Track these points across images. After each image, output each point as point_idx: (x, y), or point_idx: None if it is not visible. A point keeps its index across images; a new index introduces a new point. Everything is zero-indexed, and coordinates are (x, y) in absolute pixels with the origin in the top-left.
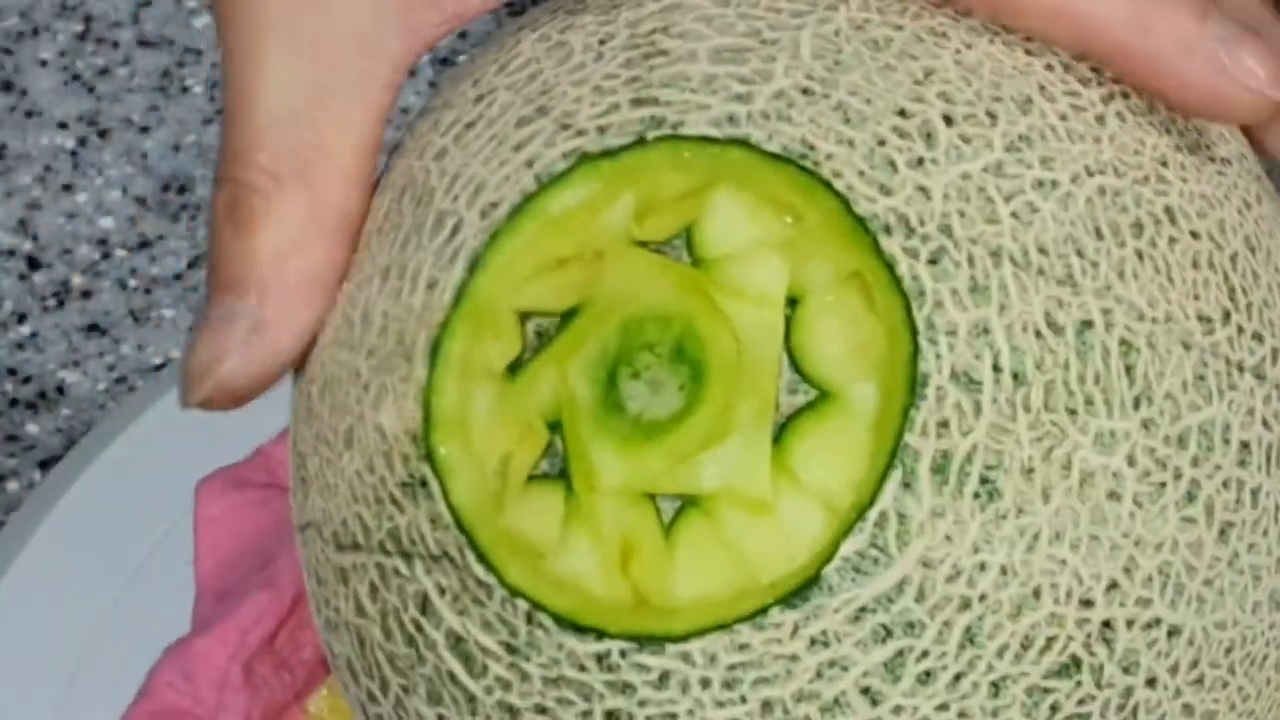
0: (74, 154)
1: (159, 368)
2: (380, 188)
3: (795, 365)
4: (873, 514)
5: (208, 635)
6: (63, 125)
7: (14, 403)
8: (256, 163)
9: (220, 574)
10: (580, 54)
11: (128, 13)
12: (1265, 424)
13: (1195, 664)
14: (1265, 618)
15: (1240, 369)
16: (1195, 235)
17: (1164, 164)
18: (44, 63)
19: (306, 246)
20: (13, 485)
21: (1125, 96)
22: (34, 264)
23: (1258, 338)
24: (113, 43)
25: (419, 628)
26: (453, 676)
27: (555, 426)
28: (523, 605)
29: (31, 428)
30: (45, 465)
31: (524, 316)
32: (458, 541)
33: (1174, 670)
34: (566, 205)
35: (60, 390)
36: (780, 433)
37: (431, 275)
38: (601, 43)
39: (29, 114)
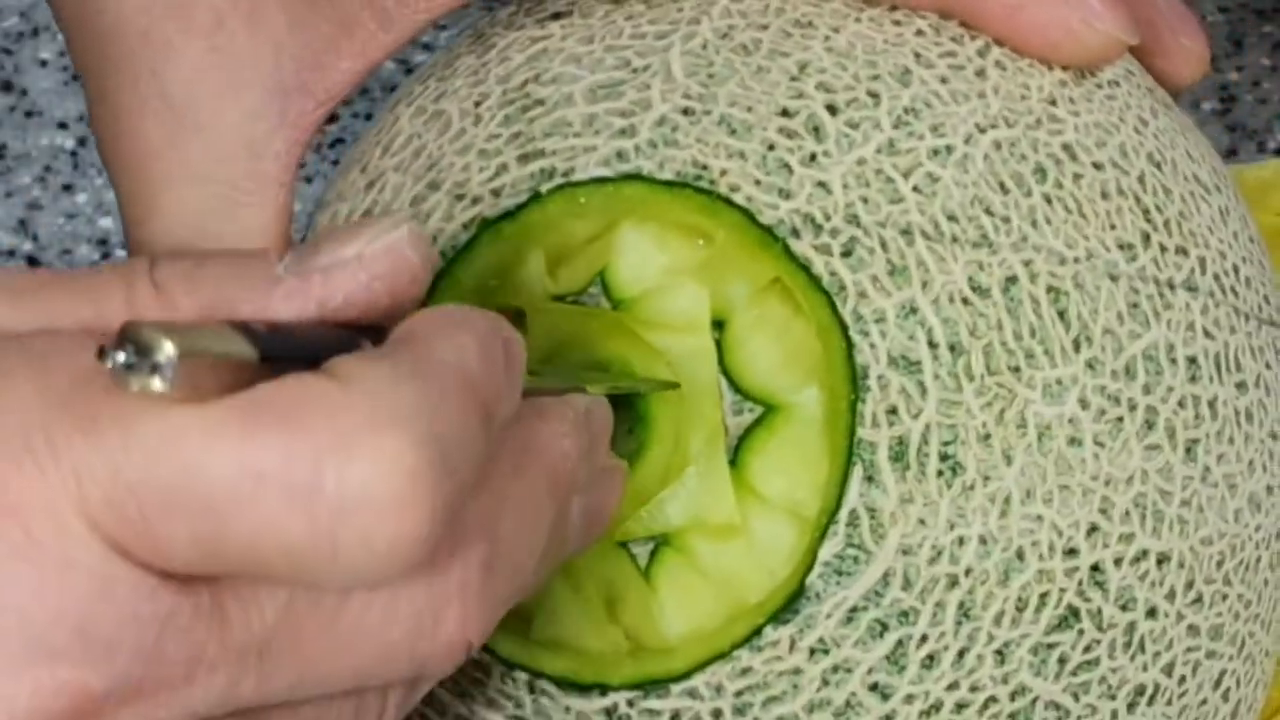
0: (74, 154)
1: None
2: None
3: (733, 385)
4: (843, 514)
5: None
6: (63, 125)
7: None
8: None
9: None
10: (459, 120)
11: None
12: (1207, 334)
13: (1191, 584)
14: (1250, 522)
15: (1171, 286)
16: (1098, 166)
17: (1053, 102)
18: (44, 63)
19: None
20: None
21: (1000, 44)
22: (34, 264)
23: (1182, 251)
24: None
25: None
26: None
27: None
28: (522, 676)
29: None
30: None
31: None
32: None
33: (1171, 596)
34: (478, 274)
35: None
36: (735, 454)
37: None
38: (477, 104)
39: (29, 114)
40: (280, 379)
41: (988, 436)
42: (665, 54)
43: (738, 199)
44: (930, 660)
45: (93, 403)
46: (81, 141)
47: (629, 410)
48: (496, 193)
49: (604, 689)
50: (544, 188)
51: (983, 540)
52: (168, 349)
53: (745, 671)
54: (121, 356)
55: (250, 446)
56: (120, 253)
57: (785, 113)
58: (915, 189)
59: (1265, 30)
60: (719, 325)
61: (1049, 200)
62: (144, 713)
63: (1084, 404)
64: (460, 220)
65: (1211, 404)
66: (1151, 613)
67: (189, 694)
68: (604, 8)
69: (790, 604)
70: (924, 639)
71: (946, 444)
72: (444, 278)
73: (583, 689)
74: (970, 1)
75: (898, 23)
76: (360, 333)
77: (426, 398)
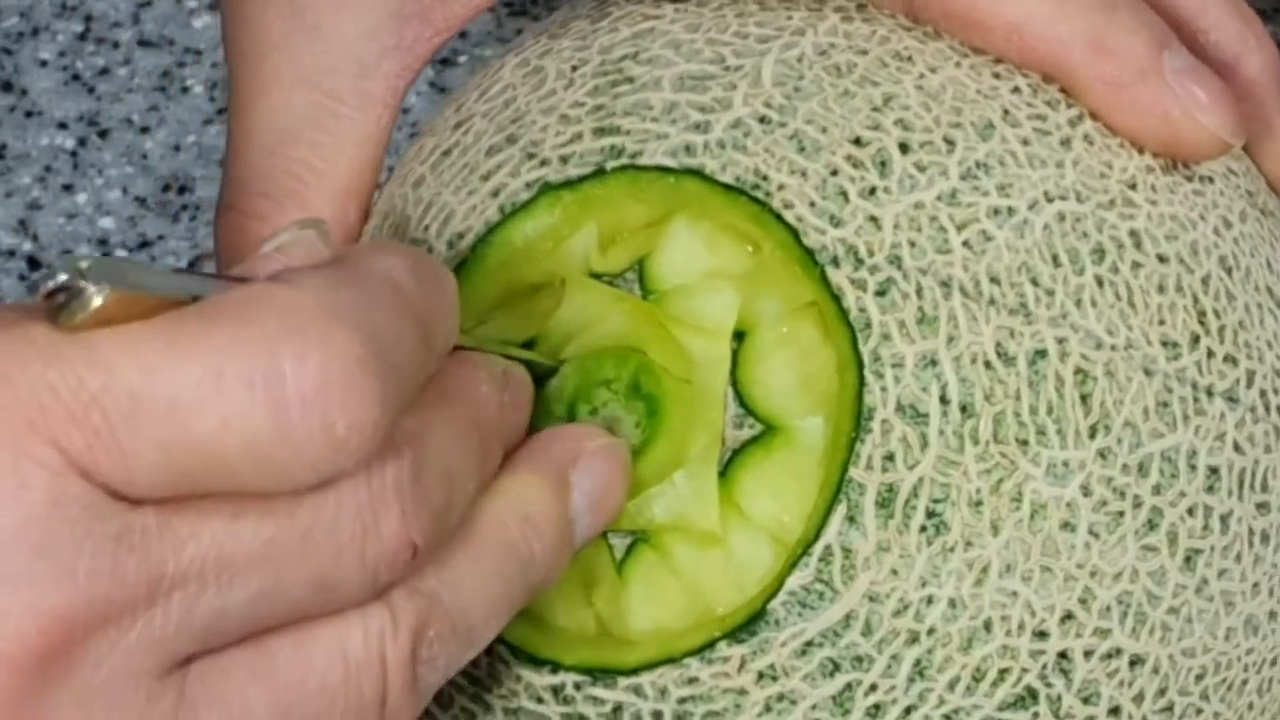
0: (74, 154)
1: None
2: (372, 213)
3: (740, 398)
4: (818, 548)
5: None
6: (63, 125)
7: None
8: (254, 189)
9: None
10: (553, 80)
11: (128, 13)
12: (1237, 448)
13: (1163, 692)
14: (1241, 643)
15: (1209, 393)
16: (1163, 259)
17: (1132, 186)
18: (44, 63)
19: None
20: None
21: (1095, 117)
22: (34, 264)
23: (1230, 360)
24: (113, 43)
25: None
26: (426, 710)
27: None
28: None
29: None
30: None
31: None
32: None
33: (1139, 699)
34: (529, 235)
35: None
36: (727, 466)
37: None
38: (574, 69)
39: (29, 114)
40: (229, 289)
41: (979, 503)
42: (760, 58)
43: (788, 216)
44: (875, 710)
45: (49, 333)
46: (81, 141)
47: (639, 402)
48: (565, 159)
49: (556, 666)
50: (609, 164)
51: (952, 604)
52: (103, 290)
53: (692, 681)
54: (62, 287)
55: (208, 346)
56: (120, 253)
57: (858, 141)
58: (965, 244)
59: (1265, 30)
60: (740, 336)
61: (1100, 282)
62: (115, 639)
63: (1086, 491)
64: (525, 179)
65: (1224, 518)
66: (1114, 711)
67: (152, 616)
68: (721, 0)
69: (749, 624)
70: (873, 688)
71: (936, 501)
72: (497, 232)
73: (536, 662)
74: (1076, 70)
75: (998, 75)
76: None
77: (367, 300)
